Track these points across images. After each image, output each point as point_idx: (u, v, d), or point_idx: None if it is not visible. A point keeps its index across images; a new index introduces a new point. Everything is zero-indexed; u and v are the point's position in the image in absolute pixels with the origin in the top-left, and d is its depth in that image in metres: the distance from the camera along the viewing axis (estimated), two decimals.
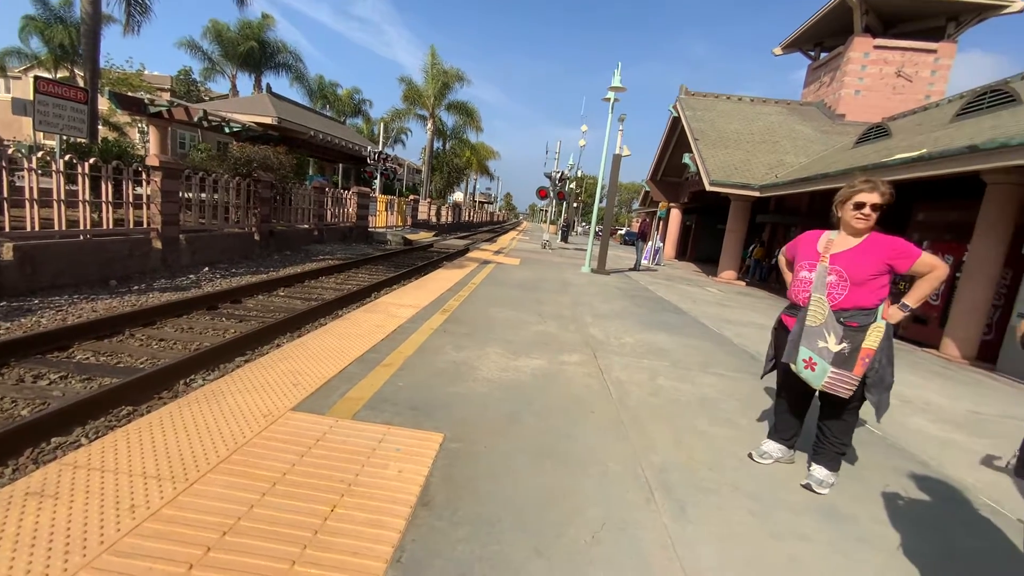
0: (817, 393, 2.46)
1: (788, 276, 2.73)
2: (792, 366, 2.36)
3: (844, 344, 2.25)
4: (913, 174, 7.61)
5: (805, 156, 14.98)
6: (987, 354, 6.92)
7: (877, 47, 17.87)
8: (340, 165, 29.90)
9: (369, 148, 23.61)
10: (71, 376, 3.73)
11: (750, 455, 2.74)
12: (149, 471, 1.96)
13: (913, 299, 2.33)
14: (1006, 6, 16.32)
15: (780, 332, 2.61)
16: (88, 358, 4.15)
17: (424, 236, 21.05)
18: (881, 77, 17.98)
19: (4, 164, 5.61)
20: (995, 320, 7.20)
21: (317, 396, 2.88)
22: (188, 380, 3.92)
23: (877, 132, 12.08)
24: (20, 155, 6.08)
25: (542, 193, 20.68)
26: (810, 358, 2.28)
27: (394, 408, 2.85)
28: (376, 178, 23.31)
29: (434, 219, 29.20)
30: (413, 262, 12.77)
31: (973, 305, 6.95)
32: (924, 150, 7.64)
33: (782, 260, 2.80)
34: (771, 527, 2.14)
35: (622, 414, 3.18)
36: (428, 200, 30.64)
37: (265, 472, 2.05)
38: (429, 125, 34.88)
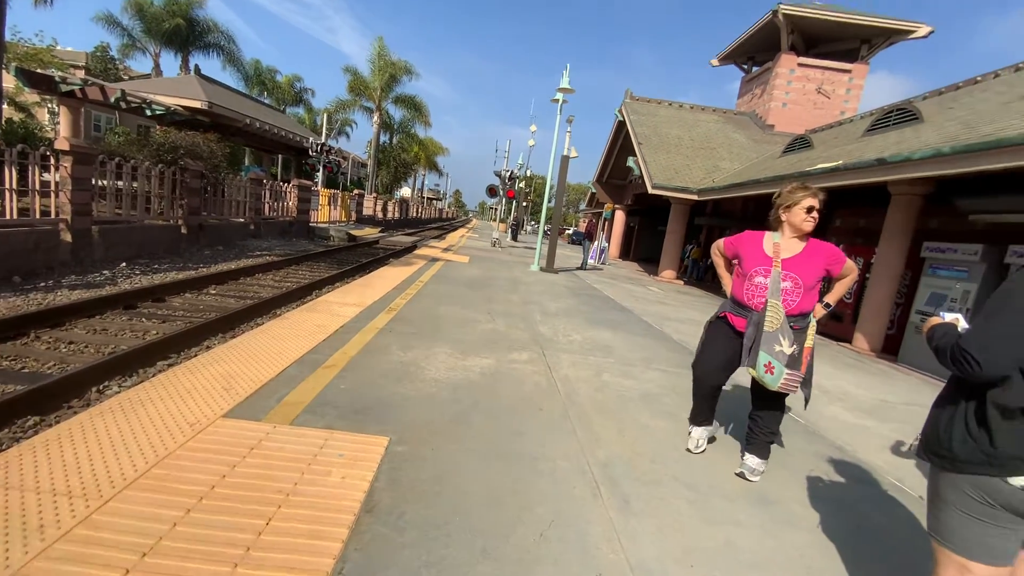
0: (752, 392, 2.66)
1: (725, 274, 2.85)
2: (750, 370, 2.42)
3: (794, 346, 2.35)
4: (832, 183, 8.30)
5: (739, 162, 15.95)
6: (891, 347, 7.70)
7: (801, 64, 19.35)
8: (279, 156, 28.38)
9: (311, 139, 22.55)
10: None
11: (688, 450, 2.87)
12: (59, 488, 1.76)
13: (834, 298, 2.59)
14: (912, 31, 18.16)
15: (720, 328, 2.68)
16: None
17: (370, 232, 20.42)
18: (804, 92, 19.49)
19: None
20: (896, 316, 8.02)
21: (252, 401, 2.71)
22: (102, 387, 3.57)
23: (801, 143, 13.08)
24: None
25: (492, 191, 20.68)
26: (769, 362, 2.33)
27: (336, 411, 2.73)
28: (319, 171, 22.32)
29: (380, 215, 28.42)
30: (358, 259, 12.35)
31: (880, 303, 7.69)
32: (840, 161, 8.35)
33: (718, 257, 2.86)
34: (708, 514, 2.25)
35: (570, 410, 3.24)
36: (374, 195, 29.76)
37: (191, 486, 1.89)
38: (375, 118, 33.89)
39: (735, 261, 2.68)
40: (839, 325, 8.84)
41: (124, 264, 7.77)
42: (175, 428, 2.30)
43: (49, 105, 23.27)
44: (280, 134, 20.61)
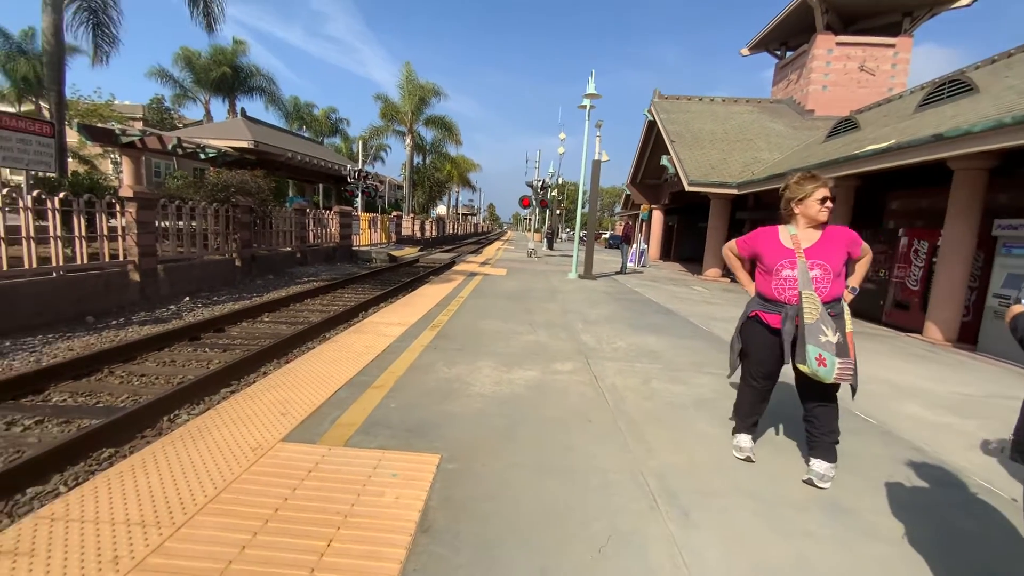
0: (799, 391, 2.57)
1: (744, 274, 2.86)
2: (802, 366, 2.34)
3: (837, 334, 2.31)
4: (884, 164, 7.81)
5: (779, 152, 15.30)
6: (967, 335, 7.08)
7: (839, 44, 18.43)
8: (320, 185, 29.69)
9: (349, 167, 23.50)
10: (47, 420, 3.58)
11: (743, 458, 2.72)
12: (133, 517, 1.87)
13: (857, 281, 2.66)
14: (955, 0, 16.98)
15: (756, 328, 2.61)
16: (65, 400, 4.00)
17: (409, 252, 20.94)
18: (845, 72, 18.53)
19: None
20: (972, 302, 7.38)
21: (307, 424, 2.80)
22: (172, 416, 3.80)
23: (847, 125, 12.41)
24: None
25: (525, 202, 20.79)
26: (820, 355, 2.27)
27: (388, 431, 2.78)
28: (357, 196, 23.20)
29: (418, 234, 29.10)
30: (399, 279, 12.67)
31: (951, 289, 7.11)
32: (893, 141, 7.85)
33: (732, 257, 2.86)
34: (776, 526, 2.12)
35: (619, 421, 3.16)
36: (411, 215, 30.55)
37: (257, 509, 1.97)
38: (408, 140, 34.90)
39: (754, 260, 2.67)
40: (905, 314, 8.24)
41: (187, 298, 8.30)
42: (239, 453, 2.41)
43: (112, 156, 25.40)
44: (320, 164, 21.60)
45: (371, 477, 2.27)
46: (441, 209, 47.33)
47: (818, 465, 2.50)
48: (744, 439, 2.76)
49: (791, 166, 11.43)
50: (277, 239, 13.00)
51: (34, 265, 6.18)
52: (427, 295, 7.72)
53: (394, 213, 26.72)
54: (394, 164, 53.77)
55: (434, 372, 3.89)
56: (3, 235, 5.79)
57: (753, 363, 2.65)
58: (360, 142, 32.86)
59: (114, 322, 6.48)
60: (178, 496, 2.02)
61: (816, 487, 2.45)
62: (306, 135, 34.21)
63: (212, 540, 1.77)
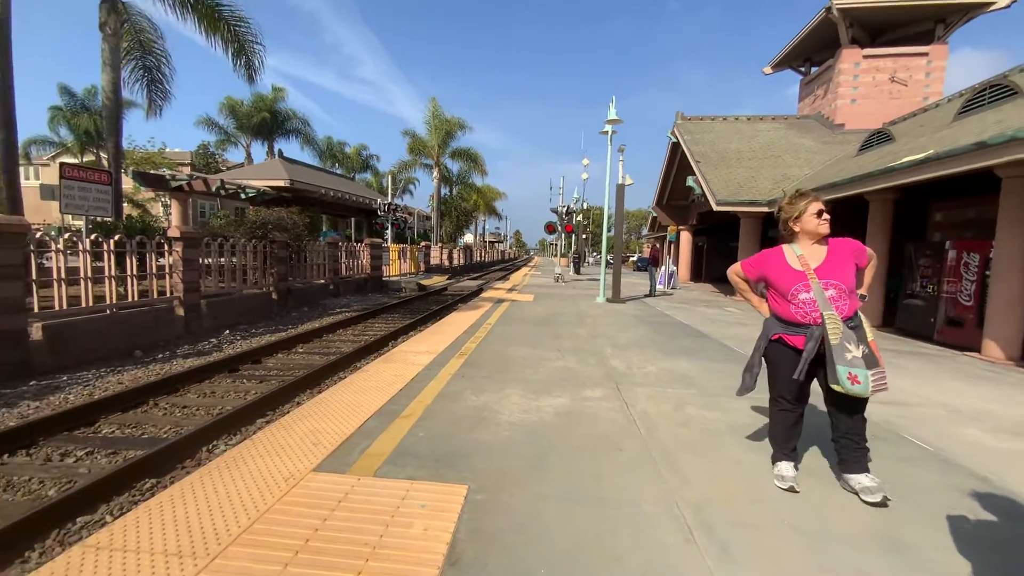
0: (831, 407, 2.55)
1: (752, 296, 2.82)
2: (835, 386, 2.32)
3: (862, 346, 2.32)
4: (923, 176, 7.51)
5: (809, 168, 14.96)
6: None
7: (867, 56, 18.10)
8: (352, 219, 30.74)
9: (379, 200, 24.34)
10: (97, 451, 3.75)
11: (785, 487, 2.57)
12: (169, 548, 1.92)
13: (866, 287, 2.67)
14: (991, 3, 16.48)
15: (780, 350, 2.56)
16: (114, 431, 4.19)
17: (438, 280, 21.27)
18: (875, 84, 18.12)
19: (32, 248, 5.89)
20: None
21: (338, 454, 2.83)
22: (211, 447, 3.91)
23: (880, 137, 12.05)
24: (48, 238, 6.38)
25: (550, 228, 20.93)
26: (850, 373, 2.26)
27: (416, 461, 2.78)
28: (388, 228, 23.90)
29: (446, 263, 29.59)
30: (428, 307, 12.84)
31: (1009, 303, 6.66)
32: (931, 151, 7.57)
33: (739, 280, 2.82)
34: (827, 563, 1.98)
35: (652, 449, 3.06)
36: (439, 245, 31.18)
37: (288, 540, 1.99)
38: (435, 173, 35.97)
39: (762, 283, 2.66)
40: (960, 331, 7.73)
41: (227, 331, 8.64)
42: (272, 483, 2.45)
43: (162, 199, 27.16)
44: (351, 199, 22.46)
45: (399, 508, 2.26)
46: (468, 238, 48.16)
47: (863, 478, 2.47)
48: (786, 467, 2.62)
49: (824, 180, 11.13)
50: (311, 272, 13.46)
51: (90, 303, 6.59)
52: (455, 323, 7.79)
53: (423, 243, 27.36)
54: (422, 196, 55.55)
55: (462, 400, 3.88)
56: (64, 276, 6.22)
57: (782, 385, 2.58)
58: (389, 176, 34.10)
59: (160, 356, 6.80)
60: (213, 526, 2.07)
61: (866, 501, 2.41)
62: (339, 172, 35.80)
63: (244, 572, 1.79)
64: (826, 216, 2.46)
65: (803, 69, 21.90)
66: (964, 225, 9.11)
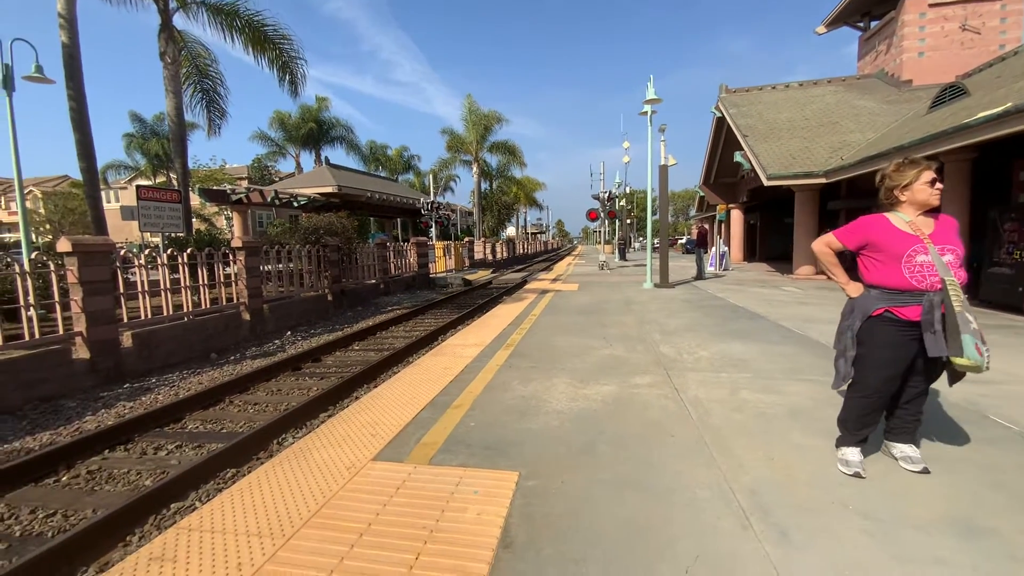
0: (904, 383, 2.43)
1: (839, 270, 2.57)
2: (957, 359, 2.16)
3: (975, 319, 2.19)
4: (1002, 131, 6.79)
5: (872, 131, 13.85)
6: None
7: (933, 5, 16.46)
8: (398, 219, 31.67)
9: (422, 199, 24.90)
10: (184, 445, 4.13)
11: (851, 473, 2.45)
12: (251, 529, 2.11)
13: None
14: None
15: (882, 328, 2.35)
16: (198, 427, 4.60)
17: (482, 275, 21.54)
18: (944, 35, 16.45)
19: (119, 264, 6.51)
20: None
21: (394, 444, 2.98)
22: (280, 440, 4.21)
23: (952, 92, 10.97)
24: (131, 255, 7.04)
25: (592, 215, 20.61)
26: (976, 344, 2.13)
27: (468, 449, 2.88)
28: (432, 226, 24.42)
29: (490, 257, 29.86)
30: (474, 301, 13.06)
31: None
32: (1010, 103, 6.82)
33: (828, 252, 2.57)
34: (896, 549, 1.89)
35: (704, 435, 3.00)
36: (482, 239, 31.51)
37: (352, 524, 2.13)
38: (475, 168, 36.29)
39: (862, 252, 2.44)
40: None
41: (289, 332, 9.20)
42: (336, 472, 2.62)
43: (225, 213, 29.08)
44: (396, 200, 23.13)
45: (453, 494, 2.36)
46: (510, 231, 48.30)
47: (909, 449, 2.52)
48: (852, 452, 2.50)
49: (889, 145, 10.29)
50: (362, 273, 14.02)
51: (170, 312, 7.22)
52: (500, 315, 7.89)
53: (466, 239, 27.73)
54: (463, 192, 56.27)
55: (510, 390, 3.96)
56: (147, 288, 6.85)
57: (875, 368, 2.37)
58: (431, 175, 34.75)
59: (232, 357, 7.35)
60: (287, 510, 2.25)
61: (909, 470, 2.44)
62: (383, 175, 36.92)
63: (316, 551, 1.94)
64: (939, 186, 2.29)
65: (861, 25, 20.21)
66: None
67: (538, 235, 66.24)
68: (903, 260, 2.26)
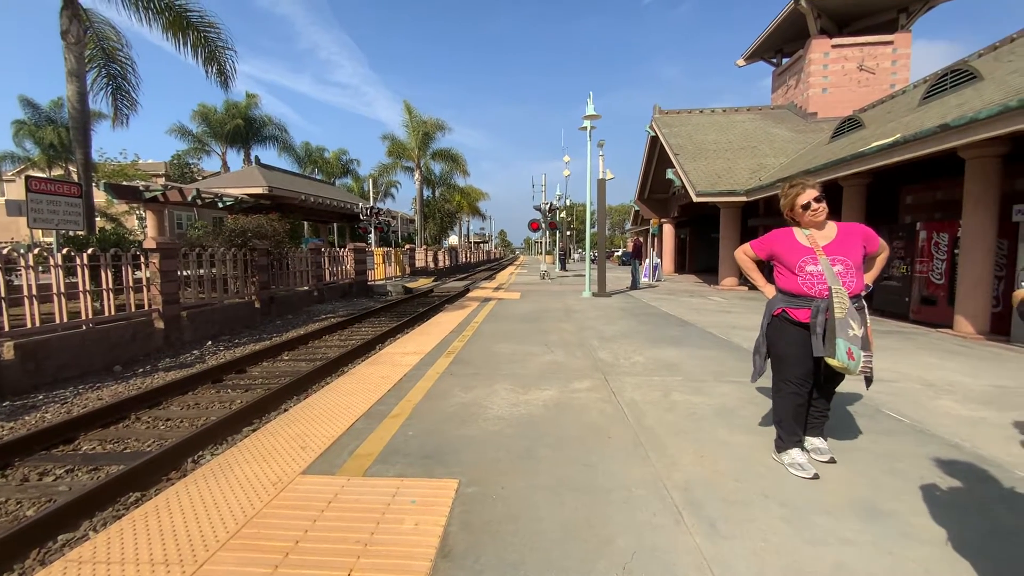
0: (815, 383, 2.64)
1: (758, 275, 2.87)
2: (831, 360, 2.36)
3: (862, 328, 2.38)
4: (892, 159, 7.73)
5: (784, 156, 15.26)
6: (1000, 327, 6.82)
7: (835, 46, 18.52)
8: (335, 224, 30.43)
9: (361, 204, 24.08)
10: (77, 469, 3.65)
11: (810, 476, 2.55)
12: (156, 557, 1.89)
13: (871, 278, 2.68)
14: None
15: (783, 326, 2.60)
16: (95, 448, 4.09)
17: (424, 282, 21.16)
18: (844, 73, 18.54)
19: (0, 266, 5.71)
20: (1001, 292, 7.13)
21: (326, 456, 2.81)
22: (196, 457, 3.84)
23: (850, 124, 12.35)
24: (17, 254, 6.19)
25: (534, 226, 20.95)
26: (849, 349, 2.32)
27: (406, 459, 2.77)
28: (371, 232, 23.67)
29: (432, 265, 29.44)
30: (415, 309, 12.77)
31: (976, 280, 6.89)
32: (898, 135, 7.78)
33: (747, 259, 2.85)
34: (809, 534, 2.04)
35: (640, 435, 3.10)
36: (424, 247, 31.00)
37: (277, 542, 1.97)
38: (417, 175, 35.70)
39: (771, 261, 2.72)
40: (933, 309, 7.97)
41: (210, 342, 8.48)
42: (260, 488, 2.43)
43: (137, 212, 26.53)
44: (333, 204, 22.20)
45: (390, 505, 2.26)
46: (453, 239, 47.97)
47: (818, 441, 2.77)
48: (798, 454, 2.60)
49: (798, 169, 11.37)
50: (294, 279, 13.28)
51: (64, 320, 6.41)
52: (442, 323, 7.77)
53: (407, 246, 27.19)
54: (404, 199, 55.20)
55: (451, 398, 3.88)
56: (35, 293, 6.05)
57: (787, 365, 2.58)
58: (370, 180, 33.78)
59: (140, 370, 6.65)
60: (200, 533, 2.04)
61: (818, 460, 2.67)
62: (319, 177, 35.35)
63: (233, 575, 1.77)
64: (815, 206, 2.50)
65: (775, 60, 22.30)
66: (933, 207, 9.40)
67: (481, 244, 66.35)
68: (796, 269, 2.52)
